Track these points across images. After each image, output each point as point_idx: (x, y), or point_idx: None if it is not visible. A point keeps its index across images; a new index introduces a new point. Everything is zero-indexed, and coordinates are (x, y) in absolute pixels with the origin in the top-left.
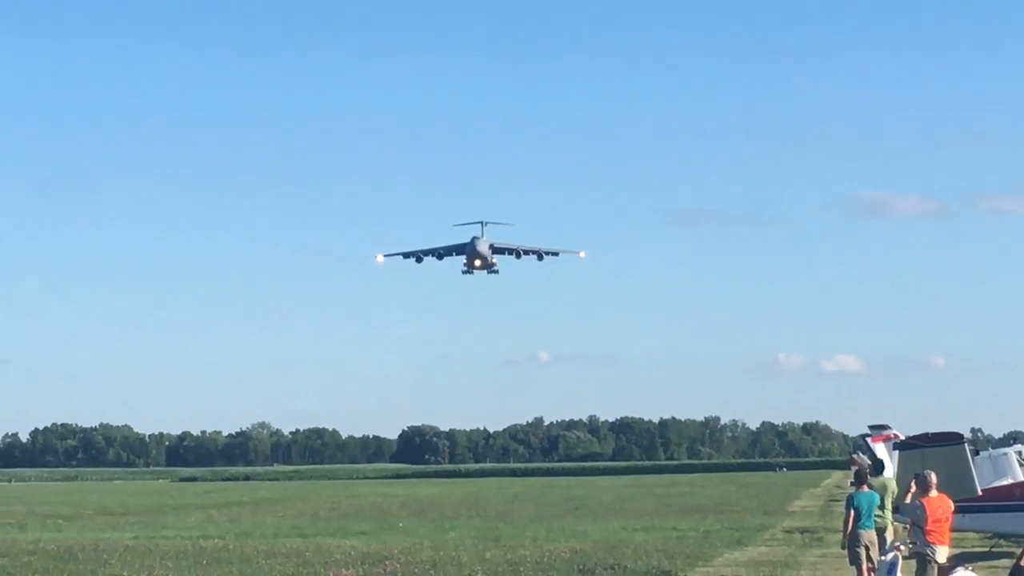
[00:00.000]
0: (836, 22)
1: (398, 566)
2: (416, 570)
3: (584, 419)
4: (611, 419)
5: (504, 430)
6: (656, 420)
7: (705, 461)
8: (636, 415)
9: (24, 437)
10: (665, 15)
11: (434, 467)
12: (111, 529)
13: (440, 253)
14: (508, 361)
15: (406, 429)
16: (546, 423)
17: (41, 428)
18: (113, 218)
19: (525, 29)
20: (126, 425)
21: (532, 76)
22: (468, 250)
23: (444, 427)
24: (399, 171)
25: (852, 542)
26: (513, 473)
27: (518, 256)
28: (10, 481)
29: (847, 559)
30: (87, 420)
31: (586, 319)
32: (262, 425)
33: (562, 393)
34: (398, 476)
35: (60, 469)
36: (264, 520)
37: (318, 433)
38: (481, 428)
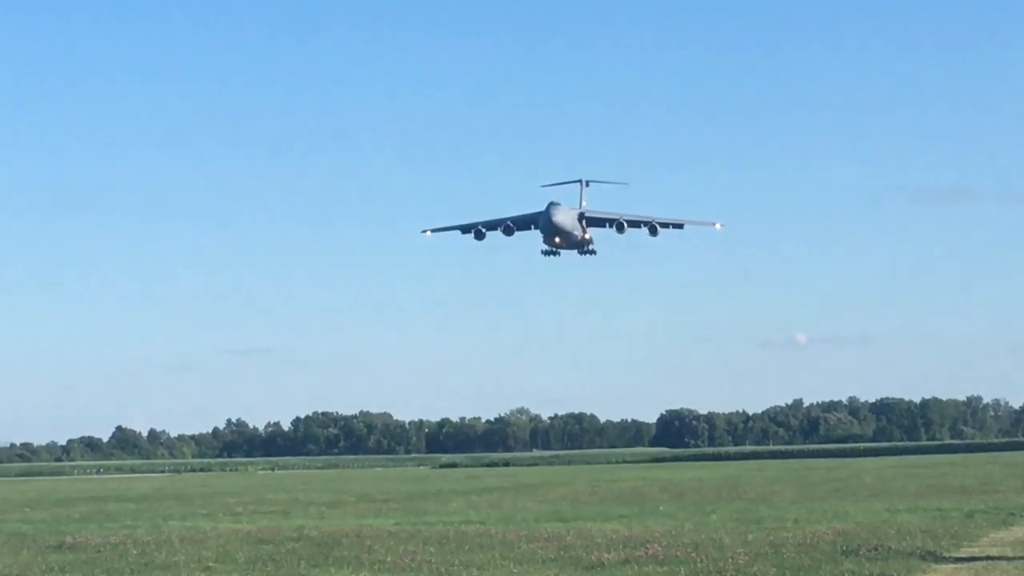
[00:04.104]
0: None
1: (660, 549)
2: (678, 553)
3: (844, 400)
4: (871, 400)
5: (763, 412)
6: (917, 400)
7: (968, 441)
8: (896, 396)
9: (286, 426)
10: None
11: (693, 450)
12: (373, 515)
13: (508, 225)
14: (765, 343)
15: (665, 413)
16: (805, 405)
17: (303, 417)
18: (365, 213)
19: None
20: (386, 413)
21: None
22: (542, 222)
23: (703, 410)
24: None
25: None
26: (773, 455)
27: (620, 229)
28: (273, 469)
29: None
30: (348, 408)
31: (842, 300)
32: (521, 411)
33: (821, 374)
34: (657, 460)
35: (322, 457)
36: (525, 505)
37: (576, 418)
38: (740, 411)
